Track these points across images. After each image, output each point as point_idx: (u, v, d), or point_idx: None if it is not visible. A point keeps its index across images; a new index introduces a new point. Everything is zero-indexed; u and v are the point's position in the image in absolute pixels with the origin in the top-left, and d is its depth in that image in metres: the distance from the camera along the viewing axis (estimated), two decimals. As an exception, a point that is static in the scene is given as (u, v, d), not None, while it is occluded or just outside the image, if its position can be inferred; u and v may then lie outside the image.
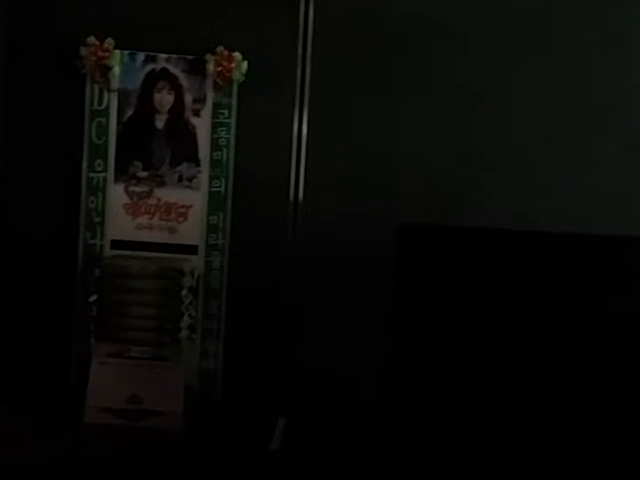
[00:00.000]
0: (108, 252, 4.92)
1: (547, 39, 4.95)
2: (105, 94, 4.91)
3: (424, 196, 4.88)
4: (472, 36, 4.92)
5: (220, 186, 4.96)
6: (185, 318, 4.73)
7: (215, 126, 4.94)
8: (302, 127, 4.89)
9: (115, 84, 4.91)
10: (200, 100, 4.95)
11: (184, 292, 4.70)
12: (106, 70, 4.87)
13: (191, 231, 4.94)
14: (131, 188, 4.96)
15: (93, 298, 4.68)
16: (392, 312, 3.58)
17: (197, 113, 4.96)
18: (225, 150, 4.95)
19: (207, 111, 4.94)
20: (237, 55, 4.86)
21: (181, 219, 4.97)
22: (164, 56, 4.92)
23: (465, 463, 3.44)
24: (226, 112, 4.94)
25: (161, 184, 4.95)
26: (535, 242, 3.45)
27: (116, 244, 4.94)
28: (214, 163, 4.95)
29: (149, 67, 4.94)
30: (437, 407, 3.50)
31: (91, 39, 4.82)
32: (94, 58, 4.83)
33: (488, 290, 3.47)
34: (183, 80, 4.95)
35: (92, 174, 4.94)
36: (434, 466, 3.47)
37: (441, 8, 4.91)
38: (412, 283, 3.59)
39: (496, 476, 3.42)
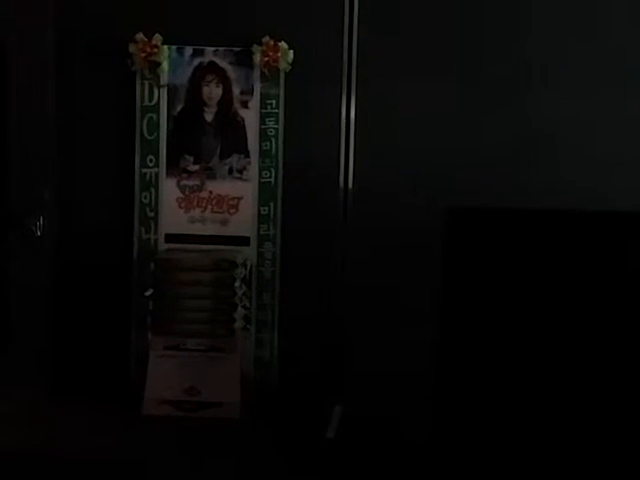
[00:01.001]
0: (162, 246, 4.99)
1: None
2: (155, 90, 4.98)
3: (475, 179, 4.81)
4: (525, 12, 4.87)
5: (270, 176, 4.98)
6: (239, 309, 4.77)
7: (263, 117, 4.95)
8: (350, 113, 4.87)
9: (164, 79, 4.97)
10: (248, 91, 4.97)
11: (237, 283, 4.75)
12: (155, 66, 4.93)
13: (243, 222, 4.98)
14: (183, 182, 5.01)
15: (149, 292, 4.76)
16: (442, 297, 3.54)
17: (245, 104, 4.98)
18: (274, 140, 4.96)
19: (255, 102, 4.96)
20: (283, 44, 4.86)
21: (232, 211, 5.01)
22: (211, 49, 4.96)
23: (515, 451, 3.39)
24: (274, 102, 4.95)
25: (212, 177, 5.00)
26: (586, 222, 3.36)
27: (170, 238, 5.00)
28: (263, 154, 4.96)
29: (197, 61, 4.98)
30: (487, 392, 3.45)
31: (139, 36, 4.88)
32: (143, 54, 4.89)
33: (538, 273, 3.39)
34: (230, 72, 4.98)
35: (144, 170, 5.01)
36: (484, 454, 3.42)
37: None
38: (461, 267, 3.53)
39: (546, 461, 3.36)
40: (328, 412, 4.62)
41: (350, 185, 4.88)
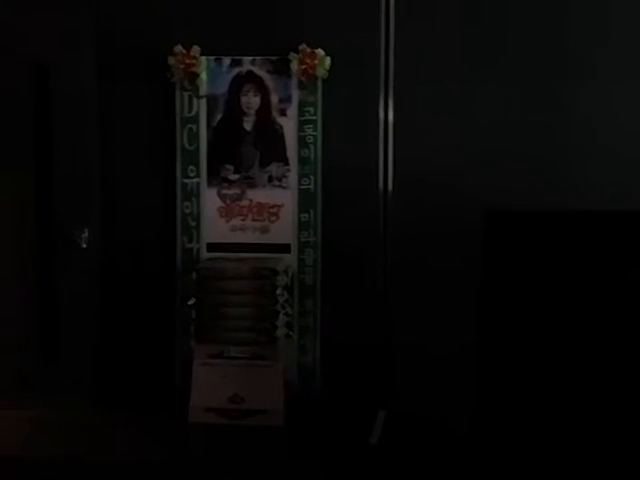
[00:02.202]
0: (204, 255, 5.04)
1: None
2: (194, 101, 5.03)
3: (514, 181, 4.76)
4: (565, 12, 4.80)
5: (309, 183, 4.99)
6: (281, 316, 4.78)
7: (302, 124, 4.97)
8: (388, 118, 4.86)
9: (203, 90, 5.02)
10: (286, 99, 5.00)
11: (279, 291, 4.76)
12: (194, 77, 4.98)
13: (283, 230, 5.00)
14: (224, 191, 5.05)
15: (192, 301, 4.79)
16: (481, 299, 3.52)
17: (283, 112, 5.00)
18: (312, 147, 4.97)
19: (293, 110, 4.98)
20: (320, 51, 4.88)
21: (273, 218, 5.03)
22: (249, 59, 4.99)
23: (559, 447, 3.35)
24: (312, 109, 4.96)
25: (252, 185, 5.03)
26: (626, 223, 3.31)
27: (212, 247, 5.05)
28: (302, 161, 4.98)
29: (235, 71, 5.02)
30: (529, 393, 3.41)
31: (178, 48, 4.94)
32: (182, 66, 4.95)
33: (575, 273, 3.35)
34: (268, 81, 5.01)
35: (186, 180, 5.06)
36: (529, 460, 3.38)
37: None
38: (500, 269, 3.51)
39: (591, 461, 3.31)
40: (372, 418, 4.64)
41: (390, 190, 4.90)
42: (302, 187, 5.00)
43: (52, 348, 5.02)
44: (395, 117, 4.85)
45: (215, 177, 5.05)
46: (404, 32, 4.80)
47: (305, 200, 4.99)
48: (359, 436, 4.38)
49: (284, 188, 5.03)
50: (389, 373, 4.86)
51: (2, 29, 4.85)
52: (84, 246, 4.94)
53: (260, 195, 5.04)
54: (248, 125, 5.06)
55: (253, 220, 5.04)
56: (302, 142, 4.98)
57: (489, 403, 3.54)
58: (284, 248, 5.00)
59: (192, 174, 5.06)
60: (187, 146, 5.05)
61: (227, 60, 5.01)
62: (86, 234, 4.94)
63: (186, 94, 5.01)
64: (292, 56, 4.91)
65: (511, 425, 3.45)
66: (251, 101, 5.05)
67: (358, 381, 4.88)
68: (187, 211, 5.07)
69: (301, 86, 4.96)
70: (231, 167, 5.06)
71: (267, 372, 4.72)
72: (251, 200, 5.05)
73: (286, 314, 4.86)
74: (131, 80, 5.04)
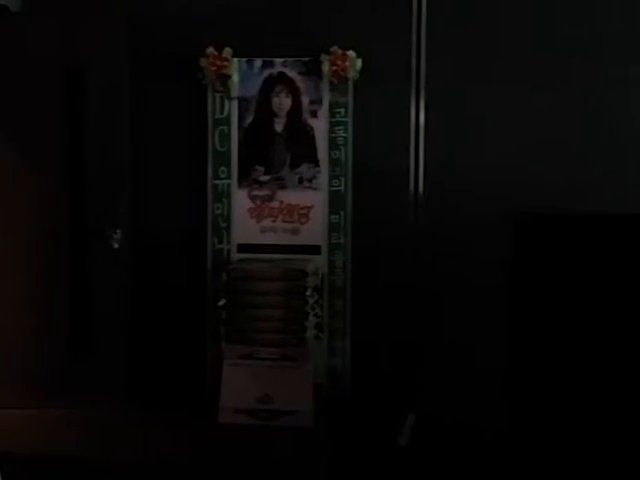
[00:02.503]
0: (235, 256, 5.06)
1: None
2: (226, 102, 5.06)
3: (544, 184, 4.74)
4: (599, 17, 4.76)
5: (340, 185, 4.99)
6: (311, 317, 4.79)
7: (332, 125, 4.98)
8: (419, 119, 4.85)
9: (235, 92, 5.05)
10: (317, 101, 5.00)
11: (309, 292, 4.76)
12: (225, 79, 5.01)
13: (313, 231, 5.01)
14: (254, 192, 5.07)
15: (222, 302, 4.82)
16: (511, 301, 3.49)
17: (314, 114, 5.01)
18: (343, 149, 4.98)
19: (324, 111, 4.99)
20: (351, 53, 4.88)
21: (303, 220, 5.04)
22: (280, 60, 5.01)
23: (592, 451, 3.31)
24: (343, 111, 4.96)
25: (282, 186, 5.04)
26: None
27: (242, 248, 5.07)
28: (333, 162, 4.99)
29: (266, 72, 5.04)
30: (561, 395, 3.38)
31: (210, 50, 4.97)
32: (214, 68, 4.98)
33: (607, 278, 3.32)
34: (300, 82, 5.03)
35: (217, 181, 5.09)
36: (561, 461, 3.35)
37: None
38: (530, 272, 3.48)
39: (621, 465, 3.27)
40: (401, 420, 4.63)
41: (420, 191, 4.89)
42: (332, 189, 5.01)
43: (84, 347, 5.05)
44: (426, 119, 4.86)
45: (246, 178, 5.08)
46: (436, 34, 4.80)
47: (335, 202, 5.00)
48: (388, 438, 4.37)
49: (314, 189, 5.03)
50: (418, 375, 4.85)
51: (37, 32, 4.91)
52: (116, 246, 4.96)
53: (290, 196, 5.05)
54: (279, 126, 5.07)
55: (283, 221, 5.06)
56: (333, 144, 4.99)
57: (519, 406, 3.51)
58: (314, 249, 5.01)
59: (223, 175, 5.09)
60: (218, 147, 5.08)
61: (258, 62, 5.03)
62: (118, 234, 4.96)
63: (218, 96, 5.04)
64: (323, 57, 4.91)
65: (542, 428, 3.41)
66: (282, 102, 5.07)
67: (387, 383, 4.89)
68: (218, 212, 5.10)
69: (332, 88, 4.97)
70: (262, 168, 5.08)
71: (296, 373, 4.73)
72: (281, 201, 5.06)
73: (316, 315, 4.87)
74: (163, 82, 5.09)
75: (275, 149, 5.07)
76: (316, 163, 5.02)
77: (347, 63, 4.89)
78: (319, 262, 4.97)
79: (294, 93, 5.04)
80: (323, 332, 4.98)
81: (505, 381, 3.55)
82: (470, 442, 4.31)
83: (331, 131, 4.98)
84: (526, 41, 4.81)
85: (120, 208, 5.03)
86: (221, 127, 5.07)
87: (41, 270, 5.01)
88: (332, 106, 4.98)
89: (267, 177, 5.08)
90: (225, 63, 4.99)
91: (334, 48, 4.89)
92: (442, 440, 4.34)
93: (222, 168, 5.08)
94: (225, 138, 5.07)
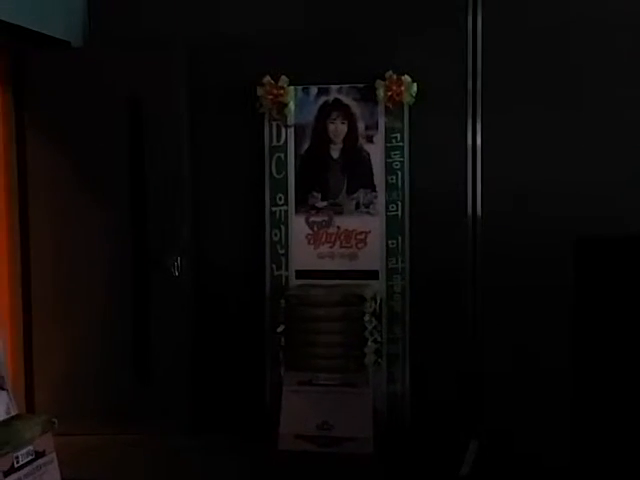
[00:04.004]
0: (293, 282, 5.08)
1: None
2: (282, 130, 5.11)
3: (603, 207, 4.67)
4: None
5: (397, 210, 4.98)
6: (370, 343, 4.77)
7: (388, 150, 4.98)
8: (476, 142, 4.83)
9: (291, 119, 5.09)
10: (372, 126, 5.02)
11: (367, 317, 4.75)
12: (282, 107, 5.06)
13: (371, 256, 5.00)
14: (311, 218, 5.10)
15: (281, 328, 4.83)
16: (574, 326, 3.42)
17: (370, 139, 5.02)
18: (399, 173, 4.97)
19: (380, 136, 5.00)
20: (406, 78, 4.89)
21: (361, 245, 5.04)
22: (336, 87, 5.04)
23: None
24: (398, 135, 4.96)
25: (339, 212, 5.05)
26: None
27: (300, 274, 5.09)
28: (389, 187, 4.98)
29: (322, 99, 5.08)
30: (626, 422, 3.29)
31: (266, 79, 5.03)
32: (270, 96, 5.04)
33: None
34: (355, 108, 5.04)
35: (274, 208, 5.12)
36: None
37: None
38: (592, 295, 3.41)
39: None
40: (463, 447, 4.57)
41: (478, 215, 4.84)
42: (389, 213, 5.00)
43: (145, 373, 5.12)
44: (482, 142, 4.82)
45: (303, 204, 5.10)
46: (491, 57, 4.77)
47: (393, 226, 4.99)
48: (449, 467, 4.30)
49: (371, 215, 5.03)
50: (480, 402, 4.78)
51: (98, 66, 5.04)
52: (176, 274, 5.04)
53: (348, 222, 5.06)
54: (335, 153, 5.10)
55: (341, 247, 5.06)
56: (389, 168, 4.99)
57: (584, 435, 3.43)
58: (372, 275, 5.00)
59: (280, 202, 5.13)
60: (275, 174, 5.12)
61: (314, 89, 5.07)
62: (178, 262, 5.05)
63: (274, 123, 5.10)
64: (378, 83, 4.93)
65: (606, 459, 3.32)
66: (338, 129, 5.09)
67: (448, 410, 4.83)
68: (275, 238, 5.13)
69: (387, 113, 4.98)
70: (318, 194, 5.10)
71: (356, 399, 4.71)
72: (339, 227, 5.07)
73: (374, 341, 4.85)
74: (221, 111, 5.16)
75: (332, 175, 5.10)
76: (373, 188, 5.02)
77: (402, 88, 4.90)
78: (377, 287, 4.96)
79: (350, 119, 5.06)
80: (382, 358, 4.96)
81: (570, 409, 3.47)
82: (532, 473, 4.22)
83: (387, 156, 4.99)
84: (586, 63, 4.74)
85: (181, 237, 5.10)
86: (278, 154, 5.12)
87: (105, 299, 5.10)
88: (388, 131, 4.99)
89: (324, 203, 5.10)
90: (281, 91, 5.04)
91: (389, 73, 4.90)
92: (504, 470, 4.26)
93: (279, 195, 5.13)
94: (282, 165, 5.12)
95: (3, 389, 3.73)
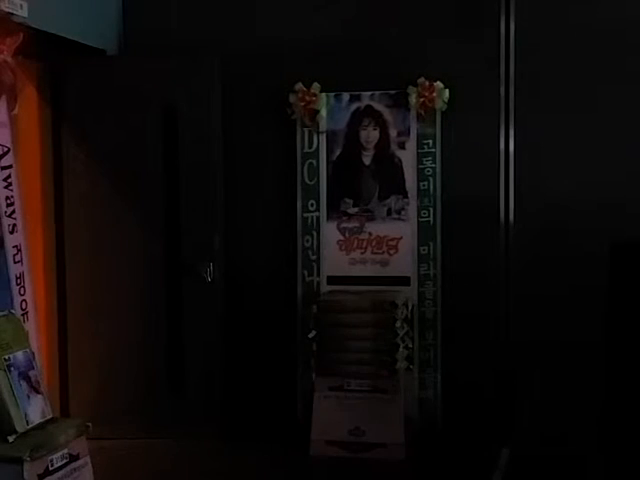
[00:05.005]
0: (325, 288, 5.09)
1: None
2: (314, 136, 5.12)
3: (637, 211, 4.61)
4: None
5: (429, 216, 4.98)
6: (401, 349, 4.76)
7: (420, 157, 4.98)
8: (509, 148, 4.81)
9: (323, 126, 5.11)
10: (404, 133, 5.02)
11: (398, 324, 4.74)
12: (314, 113, 5.08)
13: (402, 263, 5.00)
14: (343, 225, 5.10)
15: (312, 334, 4.84)
16: (607, 331, 3.39)
17: (402, 146, 5.02)
18: (431, 180, 4.97)
19: (412, 143, 5.00)
20: (438, 84, 4.89)
21: (392, 251, 5.04)
22: (368, 94, 5.05)
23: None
24: (430, 142, 4.96)
25: (371, 218, 5.06)
26: None
27: (332, 280, 5.10)
28: (421, 193, 4.98)
29: (354, 106, 5.09)
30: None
31: (299, 86, 5.05)
32: (302, 103, 5.06)
33: None
34: (387, 115, 5.05)
35: (306, 214, 5.14)
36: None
37: None
38: (626, 301, 3.38)
39: None
40: (495, 455, 4.54)
41: (511, 221, 4.83)
42: (421, 220, 4.99)
43: (178, 378, 5.15)
44: (515, 147, 4.81)
45: (335, 211, 5.11)
46: (523, 62, 4.76)
47: (424, 232, 4.98)
48: (481, 474, 4.29)
49: (403, 221, 5.03)
50: (512, 409, 4.76)
51: (133, 74, 5.09)
52: (209, 280, 5.08)
53: (379, 228, 5.06)
54: (367, 159, 5.11)
55: (373, 253, 5.06)
56: (421, 175, 4.99)
57: (618, 445, 3.39)
58: (404, 281, 4.99)
59: (312, 208, 5.14)
60: (307, 181, 5.14)
61: (346, 96, 5.08)
62: (211, 268, 5.08)
63: (306, 130, 5.12)
64: (410, 89, 4.93)
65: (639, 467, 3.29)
66: (370, 135, 5.10)
67: (480, 416, 4.80)
68: (307, 245, 5.15)
69: (420, 119, 4.97)
70: (350, 201, 5.11)
71: (388, 405, 4.70)
72: (370, 233, 5.07)
73: (406, 347, 4.84)
74: (254, 118, 5.19)
75: (363, 181, 5.10)
76: (404, 194, 5.02)
77: (434, 94, 4.90)
78: (409, 293, 4.96)
79: (382, 125, 5.07)
80: (414, 364, 4.94)
81: (602, 417, 3.44)
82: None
83: (419, 162, 4.98)
84: (620, 67, 4.71)
85: (214, 243, 5.14)
86: (310, 161, 5.14)
87: (139, 305, 5.15)
88: (420, 137, 4.98)
89: (356, 209, 5.10)
90: (314, 98, 5.06)
91: (421, 79, 4.90)
92: (538, 477, 4.22)
93: (311, 201, 5.14)
94: (314, 171, 5.13)
95: (39, 393, 3.78)
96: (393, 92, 5.00)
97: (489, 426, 4.74)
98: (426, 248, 4.97)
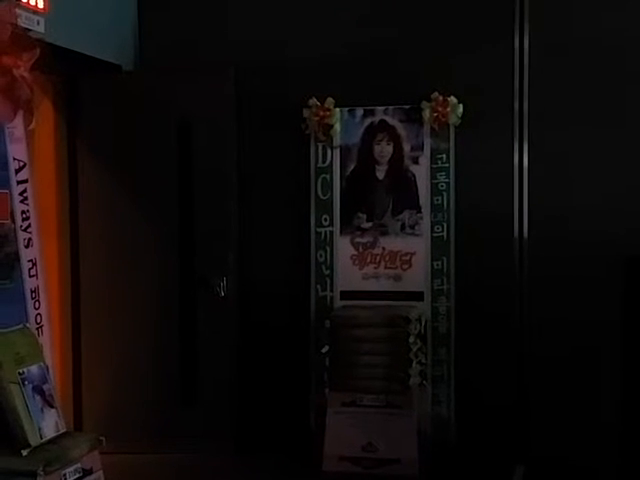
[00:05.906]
0: (338, 303, 5.08)
1: None
2: (328, 151, 5.13)
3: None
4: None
5: (442, 231, 4.97)
6: (415, 365, 4.75)
7: (434, 171, 4.97)
8: (523, 163, 4.80)
9: (337, 141, 5.12)
10: (418, 147, 5.02)
11: (412, 339, 4.73)
12: (328, 128, 5.09)
13: (416, 278, 4.99)
14: (356, 239, 5.10)
15: (325, 349, 4.84)
16: (624, 345, 3.38)
17: (416, 160, 5.03)
18: (445, 195, 4.96)
19: (425, 158, 5.00)
20: (452, 99, 4.89)
21: (405, 266, 5.03)
22: (381, 108, 5.06)
23: None
24: (444, 157, 4.96)
25: (384, 233, 5.06)
26: None
27: (345, 295, 5.09)
28: (435, 208, 4.97)
29: (368, 121, 5.10)
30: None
31: (313, 101, 5.07)
32: (316, 118, 5.07)
33: None
34: (401, 130, 5.06)
35: (319, 229, 5.14)
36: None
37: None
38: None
39: None
40: (509, 471, 4.51)
41: (525, 236, 4.81)
42: (435, 234, 4.98)
43: (191, 393, 5.15)
44: (529, 162, 4.80)
45: (348, 225, 5.11)
46: (537, 77, 4.76)
47: (438, 247, 4.97)
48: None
49: (417, 236, 5.02)
50: (526, 426, 4.73)
51: (149, 89, 5.13)
52: (223, 294, 5.09)
53: (393, 243, 5.05)
54: (380, 174, 5.11)
55: (386, 268, 5.06)
56: (434, 189, 4.98)
57: (634, 462, 3.36)
58: (417, 296, 4.98)
59: (326, 223, 5.14)
60: (321, 195, 5.15)
61: (360, 111, 5.10)
62: (224, 282, 5.09)
63: (320, 145, 5.13)
64: (424, 104, 4.94)
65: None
66: (384, 150, 5.11)
67: (494, 432, 4.77)
68: (321, 259, 5.14)
69: (433, 134, 4.98)
70: (364, 215, 5.11)
71: (401, 421, 4.68)
72: (384, 248, 5.07)
73: (419, 363, 4.82)
74: (268, 132, 5.20)
75: (377, 196, 5.10)
76: (418, 209, 5.02)
77: (448, 109, 4.90)
78: (422, 309, 4.94)
79: (395, 140, 5.07)
80: (427, 380, 4.92)
81: (619, 436, 3.41)
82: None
83: (433, 177, 4.98)
84: (633, 82, 4.70)
85: (227, 258, 5.16)
86: (323, 175, 5.15)
87: (153, 319, 5.17)
88: (433, 152, 4.99)
89: (369, 224, 5.10)
90: (327, 113, 5.07)
91: (435, 94, 4.91)
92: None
93: (325, 216, 5.14)
94: (327, 186, 5.14)
95: (52, 407, 3.79)
96: (407, 107, 5.01)
97: (503, 442, 4.70)
98: (439, 263, 4.96)
